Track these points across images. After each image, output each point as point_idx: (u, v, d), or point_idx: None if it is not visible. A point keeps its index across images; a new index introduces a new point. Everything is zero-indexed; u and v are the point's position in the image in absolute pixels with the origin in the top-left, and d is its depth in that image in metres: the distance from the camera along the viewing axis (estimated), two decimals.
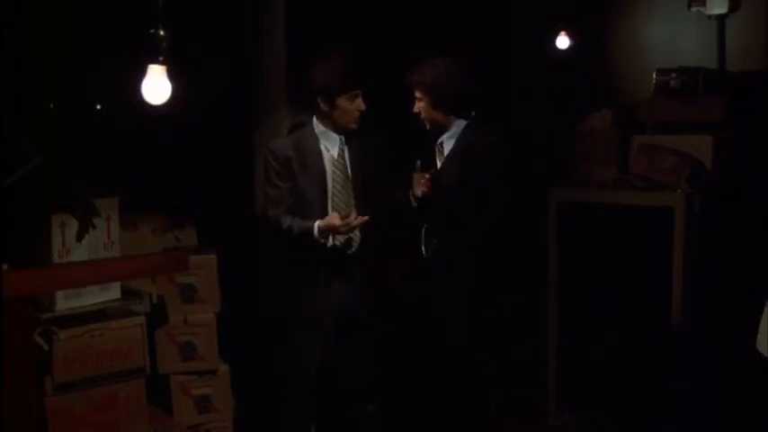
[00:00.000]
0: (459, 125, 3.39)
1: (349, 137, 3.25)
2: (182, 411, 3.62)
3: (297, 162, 3.19)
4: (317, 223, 3.11)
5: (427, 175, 3.31)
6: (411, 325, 3.64)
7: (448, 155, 3.39)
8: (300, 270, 3.24)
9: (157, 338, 3.57)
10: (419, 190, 3.31)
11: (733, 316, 3.31)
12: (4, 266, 2.41)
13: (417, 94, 3.35)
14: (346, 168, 3.24)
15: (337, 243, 3.18)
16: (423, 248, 3.39)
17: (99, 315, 2.87)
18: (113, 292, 2.94)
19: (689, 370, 3.63)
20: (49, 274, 2.55)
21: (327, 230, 3.11)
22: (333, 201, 3.20)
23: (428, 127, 3.40)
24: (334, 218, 3.11)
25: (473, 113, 3.41)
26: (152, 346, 3.36)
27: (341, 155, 3.23)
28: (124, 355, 2.86)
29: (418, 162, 3.34)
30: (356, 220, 3.07)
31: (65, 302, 2.78)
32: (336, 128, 3.21)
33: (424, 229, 3.39)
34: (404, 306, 3.73)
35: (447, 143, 3.40)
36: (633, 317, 3.81)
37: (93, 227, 2.80)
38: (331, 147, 3.22)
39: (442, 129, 3.40)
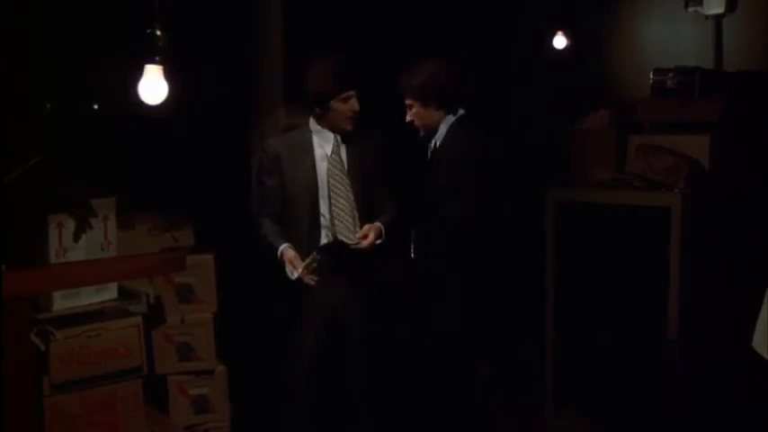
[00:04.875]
0: (445, 125, 3.27)
1: (349, 135, 3.24)
2: (179, 411, 3.62)
3: (286, 158, 3.20)
4: (282, 247, 3.13)
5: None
6: (409, 324, 3.64)
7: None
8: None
9: (155, 338, 3.57)
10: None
11: (730, 316, 3.31)
12: (2, 267, 2.40)
13: (408, 101, 3.28)
14: (343, 164, 3.22)
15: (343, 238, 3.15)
16: (411, 251, 3.38)
17: (96, 315, 2.85)
18: (110, 292, 2.93)
19: (686, 370, 3.63)
20: (46, 274, 2.53)
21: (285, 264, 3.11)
22: (331, 196, 3.17)
23: (422, 134, 3.33)
24: (296, 260, 3.10)
25: (460, 111, 3.29)
26: (149, 347, 3.36)
27: (335, 151, 3.22)
28: (121, 355, 2.85)
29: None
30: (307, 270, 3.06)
31: (62, 302, 2.77)
32: (332, 128, 3.21)
33: (413, 233, 3.38)
34: (401, 305, 3.72)
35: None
36: (631, 316, 3.81)
37: (91, 227, 2.79)
38: (325, 144, 3.22)
39: (435, 133, 3.31)
